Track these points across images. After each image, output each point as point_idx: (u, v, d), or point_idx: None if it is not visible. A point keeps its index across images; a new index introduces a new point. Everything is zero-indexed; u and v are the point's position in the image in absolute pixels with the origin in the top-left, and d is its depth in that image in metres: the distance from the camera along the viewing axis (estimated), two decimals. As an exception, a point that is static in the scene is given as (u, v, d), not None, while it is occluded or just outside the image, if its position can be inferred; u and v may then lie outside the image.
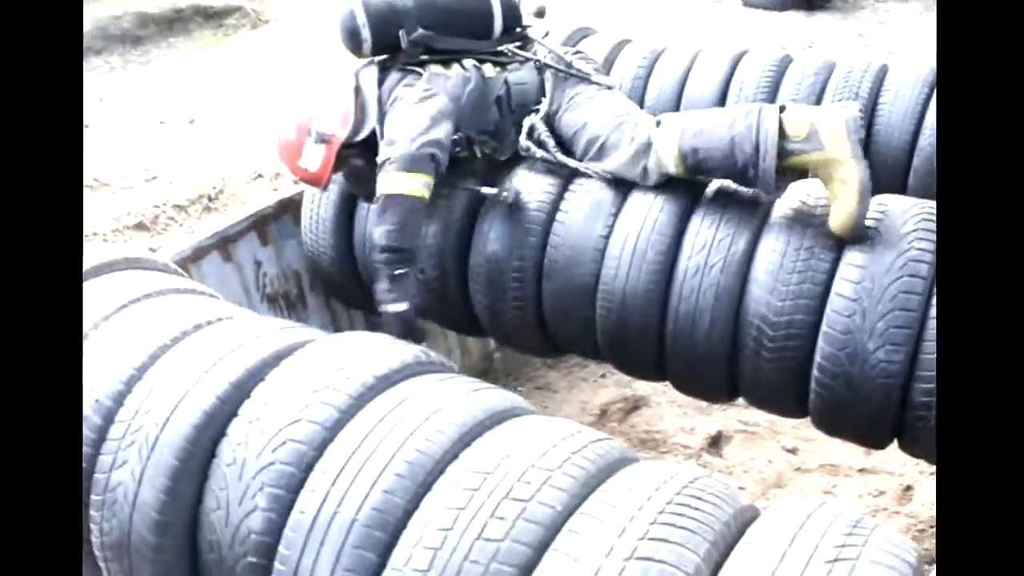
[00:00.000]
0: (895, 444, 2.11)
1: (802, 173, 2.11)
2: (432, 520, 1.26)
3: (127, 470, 1.46)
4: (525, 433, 1.37)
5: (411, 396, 1.44)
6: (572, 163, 2.33)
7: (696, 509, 1.21)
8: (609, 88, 2.45)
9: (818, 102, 2.96)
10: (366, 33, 2.41)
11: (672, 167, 2.17)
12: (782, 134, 2.04)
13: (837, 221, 1.98)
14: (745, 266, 2.09)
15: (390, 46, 2.43)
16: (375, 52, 2.46)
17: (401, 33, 2.39)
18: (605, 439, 1.39)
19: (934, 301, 1.90)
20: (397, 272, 2.23)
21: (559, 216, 2.30)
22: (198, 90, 5.74)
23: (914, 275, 1.92)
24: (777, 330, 2.03)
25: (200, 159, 4.44)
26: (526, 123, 2.39)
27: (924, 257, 1.93)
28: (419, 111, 2.29)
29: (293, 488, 1.38)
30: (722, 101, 3.11)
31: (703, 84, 3.14)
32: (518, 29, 2.54)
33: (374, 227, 2.27)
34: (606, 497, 1.25)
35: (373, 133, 2.36)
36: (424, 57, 2.41)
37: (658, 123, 2.25)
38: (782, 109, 2.09)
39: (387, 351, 1.57)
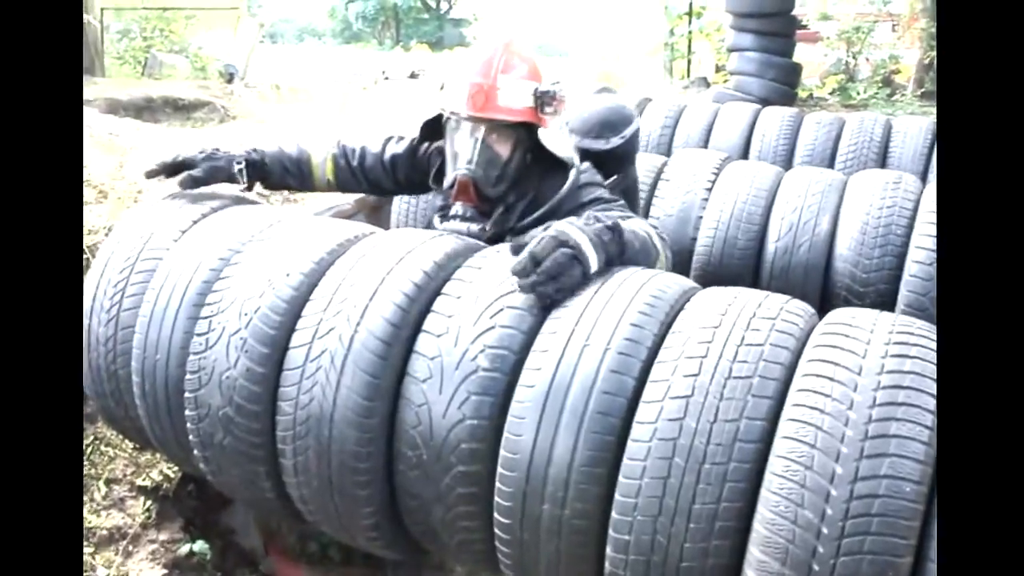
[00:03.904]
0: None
1: None
2: (677, 370, 1.30)
3: (334, 336, 1.46)
4: (725, 297, 1.43)
5: (613, 275, 1.51)
6: None
7: (915, 344, 1.30)
8: None
9: (834, 149, 3.28)
10: None
11: None
12: None
13: None
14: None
15: None
16: None
17: None
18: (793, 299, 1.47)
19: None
20: None
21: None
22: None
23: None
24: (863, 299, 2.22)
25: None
26: None
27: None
28: None
29: (516, 349, 1.40)
30: (746, 150, 3.41)
31: (729, 133, 3.43)
32: None
33: None
34: (827, 329, 1.33)
35: None
36: None
37: None
38: None
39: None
